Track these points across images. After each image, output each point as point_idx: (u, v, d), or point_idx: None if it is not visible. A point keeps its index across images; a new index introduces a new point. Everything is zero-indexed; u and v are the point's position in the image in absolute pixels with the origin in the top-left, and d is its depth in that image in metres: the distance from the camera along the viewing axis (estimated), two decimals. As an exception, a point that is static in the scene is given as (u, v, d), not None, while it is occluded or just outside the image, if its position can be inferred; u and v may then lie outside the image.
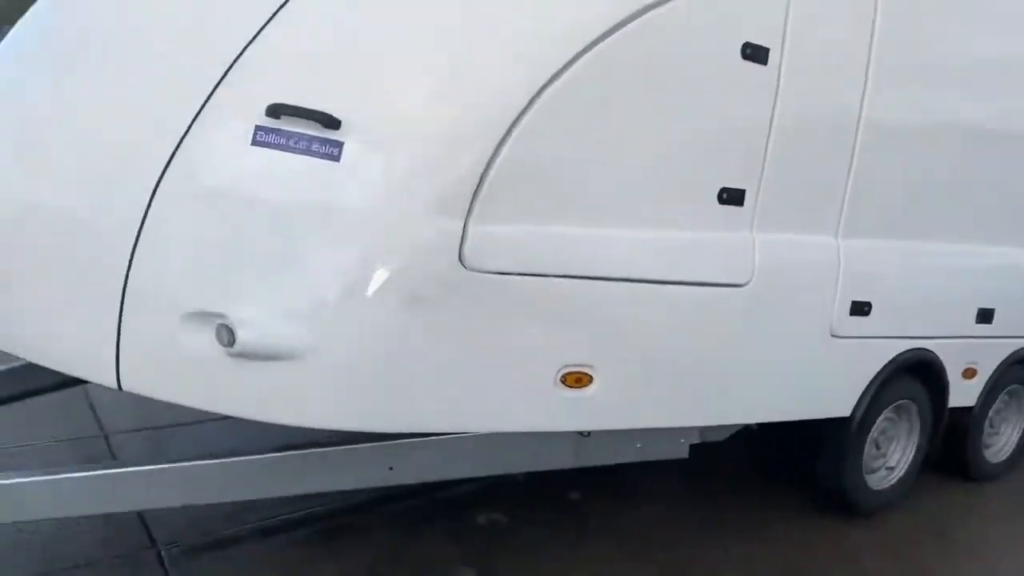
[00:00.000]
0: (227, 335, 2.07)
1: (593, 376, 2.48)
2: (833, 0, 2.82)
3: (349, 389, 2.18)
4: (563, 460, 2.89)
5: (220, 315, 2.10)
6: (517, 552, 3.13)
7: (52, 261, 2.25)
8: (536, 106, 2.23)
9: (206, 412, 2.25)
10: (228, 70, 2.18)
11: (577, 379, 2.46)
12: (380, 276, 2.14)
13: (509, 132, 2.21)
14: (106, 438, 3.87)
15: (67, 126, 2.29)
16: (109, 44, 2.35)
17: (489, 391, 2.35)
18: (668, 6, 2.41)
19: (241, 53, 2.18)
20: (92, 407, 4.00)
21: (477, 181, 2.19)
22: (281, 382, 2.13)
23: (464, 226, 2.19)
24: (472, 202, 2.19)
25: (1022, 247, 3.74)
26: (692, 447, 3.10)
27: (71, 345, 2.25)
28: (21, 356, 2.41)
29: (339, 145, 2.12)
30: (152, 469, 2.39)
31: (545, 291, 2.36)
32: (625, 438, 2.95)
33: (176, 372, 2.16)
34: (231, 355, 2.09)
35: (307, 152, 2.13)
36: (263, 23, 2.20)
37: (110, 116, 2.24)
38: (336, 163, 2.12)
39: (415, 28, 2.22)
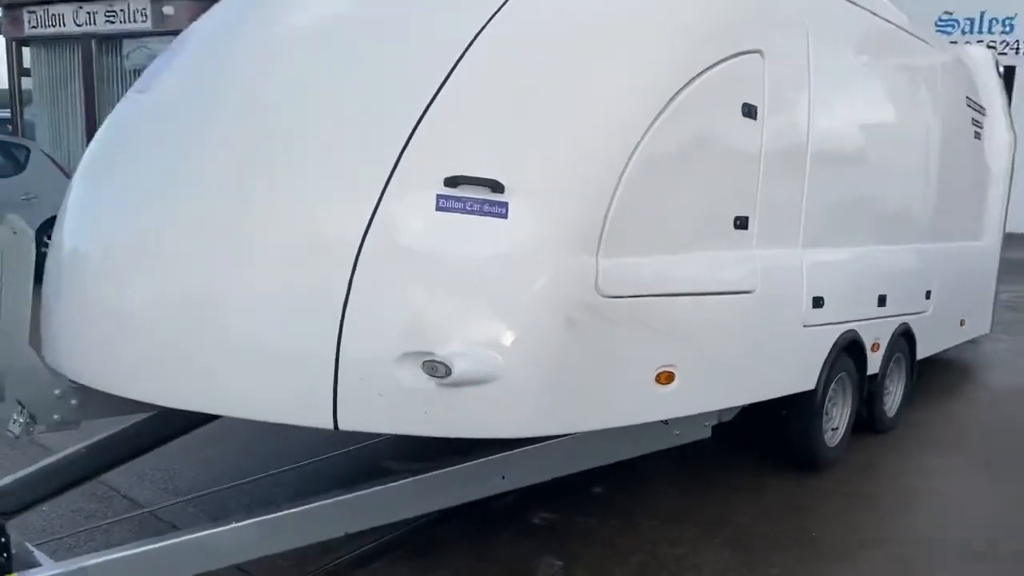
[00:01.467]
0: (443, 368, 2.50)
1: (675, 373, 3.12)
2: (786, 71, 3.68)
3: (534, 401, 2.66)
4: (636, 450, 3.49)
5: (428, 353, 2.52)
6: (584, 539, 3.67)
7: (265, 321, 2.55)
8: (628, 170, 2.85)
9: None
10: (404, 149, 2.61)
11: (667, 376, 3.09)
12: (546, 307, 2.67)
13: (616, 190, 2.82)
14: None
15: (272, 197, 2.61)
16: (299, 128, 2.69)
17: (617, 391, 2.92)
18: (703, 78, 3.13)
19: (412, 134, 2.63)
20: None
21: (601, 224, 2.77)
22: (482, 402, 2.58)
23: (596, 261, 2.76)
24: (599, 242, 2.77)
25: (902, 245, 4.89)
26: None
27: (284, 396, 2.55)
28: (218, 412, 2.64)
29: (505, 205, 2.62)
30: (374, 491, 2.78)
31: (644, 308, 2.97)
32: (674, 424, 3.60)
33: (391, 406, 2.54)
34: (442, 385, 2.52)
35: (480, 213, 2.61)
36: (425, 105, 2.66)
37: (309, 192, 2.60)
38: (504, 220, 2.62)
39: (551, 110, 2.78)
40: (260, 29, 3.10)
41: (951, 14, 15.97)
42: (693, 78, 3.07)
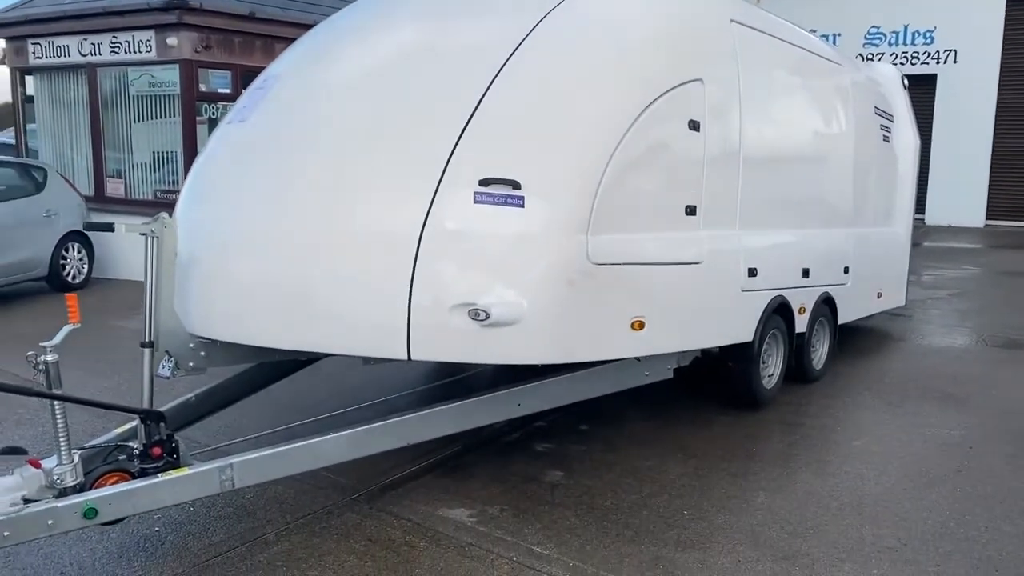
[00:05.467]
0: (483, 314, 3.54)
1: (645, 322, 4.18)
2: (721, 93, 4.78)
3: (547, 337, 3.71)
4: (615, 386, 4.56)
5: (472, 303, 3.56)
6: (577, 459, 4.73)
7: (355, 283, 3.57)
8: (607, 173, 3.91)
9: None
10: (449, 159, 3.65)
11: (639, 324, 4.15)
12: (554, 271, 3.72)
13: (599, 187, 3.88)
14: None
15: (357, 196, 3.65)
16: (372, 145, 3.74)
17: (603, 333, 3.98)
18: (659, 102, 4.21)
19: (454, 148, 3.67)
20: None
21: (589, 212, 3.83)
22: (511, 338, 3.62)
23: (587, 238, 3.82)
24: (588, 224, 3.83)
25: (823, 229, 6.07)
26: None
27: (371, 336, 3.58)
28: (316, 351, 3.66)
29: (522, 199, 3.67)
30: (427, 412, 3.82)
31: (621, 273, 4.04)
32: (644, 365, 4.68)
33: (447, 342, 3.58)
34: (483, 326, 3.55)
35: (505, 204, 3.65)
36: (462, 127, 3.70)
37: (383, 192, 3.64)
38: (522, 209, 3.67)
39: (551, 129, 3.84)
40: (334, 64, 4.21)
41: (879, 27, 17.51)
42: (652, 101, 4.16)
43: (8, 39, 11.93)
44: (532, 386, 4.28)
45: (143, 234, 3.74)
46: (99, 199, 11.11)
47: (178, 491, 3.36)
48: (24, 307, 9.12)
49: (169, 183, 10.86)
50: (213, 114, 10.64)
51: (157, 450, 3.43)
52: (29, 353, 3.13)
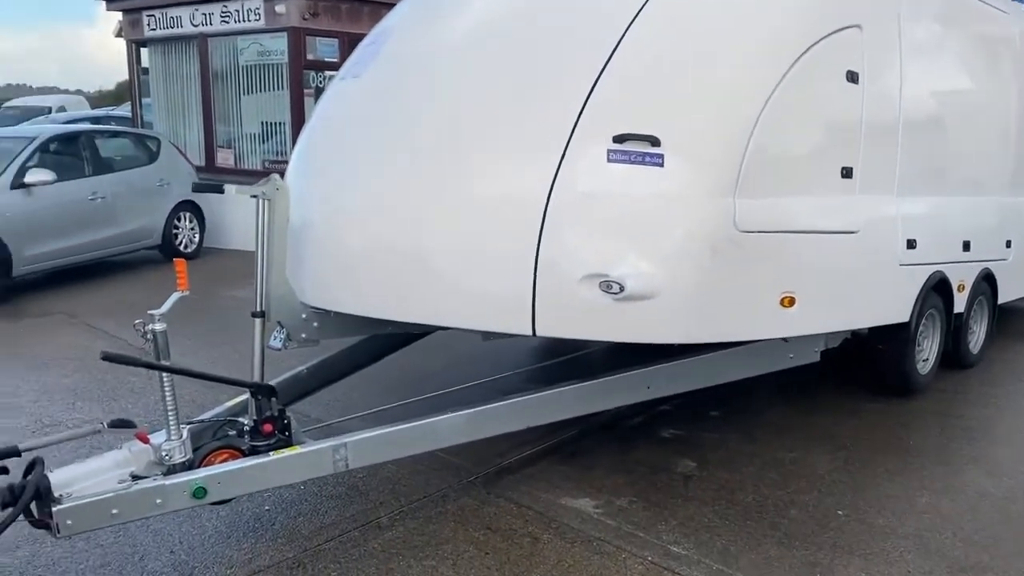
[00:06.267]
0: (617, 287, 3.16)
1: (796, 299, 3.72)
2: (881, 42, 4.22)
3: (687, 313, 3.32)
4: (756, 369, 4.12)
5: (604, 275, 3.19)
6: (710, 448, 4.32)
7: (475, 252, 3.25)
8: (756, 128, 3.45)
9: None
10: (580, 113, 3.28)
11: (789, 301, 3.70)
12: (696, 237, 3.31)
13: (747, 144, 3.43)
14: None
15: (478, 158, 3.33)
16: (497, 100, 3.39)
17: (751, 310, 3.55)
18: (815, 49, 3.70)
19: (586, 101, 3.29)
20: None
21: (737, 172, 3.39)
22: (647, 314, 3.24)
23: (734, 201, 3.38)
24: (736, 186, 3.39)
25: (985, 197, 5.41)
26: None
27: (493, 309, 3.26)
28: (433, 325, 3.37)
29: (661, 156, 3.26)
30: (550, 393, 3.49)
31: (771, 241, 3.58)
32: (790, 346, 4.21)
33: (576, 317, 3.23)
34: (616, 300, 3.18)
35: (642, 163, 3.26)
36: (595, 78, 3.31)
37: (508, 152, 3.30)
38: (661, 168, 3.26)
39: (696, 79, 3.41)
40: (451, 15, 3.88)
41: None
42: (806, 50, 3.66)
43: (125, 11, 12.15)
44: (665, 367, 3.88)
45: (254, 196, 3.51)
46: (209, 169, 11.22)
47: (289, 471, 3.14)
48: (137, 276, 9.25)
49: (277, 153, 10.88)
50: (320, 83, 10.56)
51: (268, 427, 3.21)
52: (137, 321, 2.95)
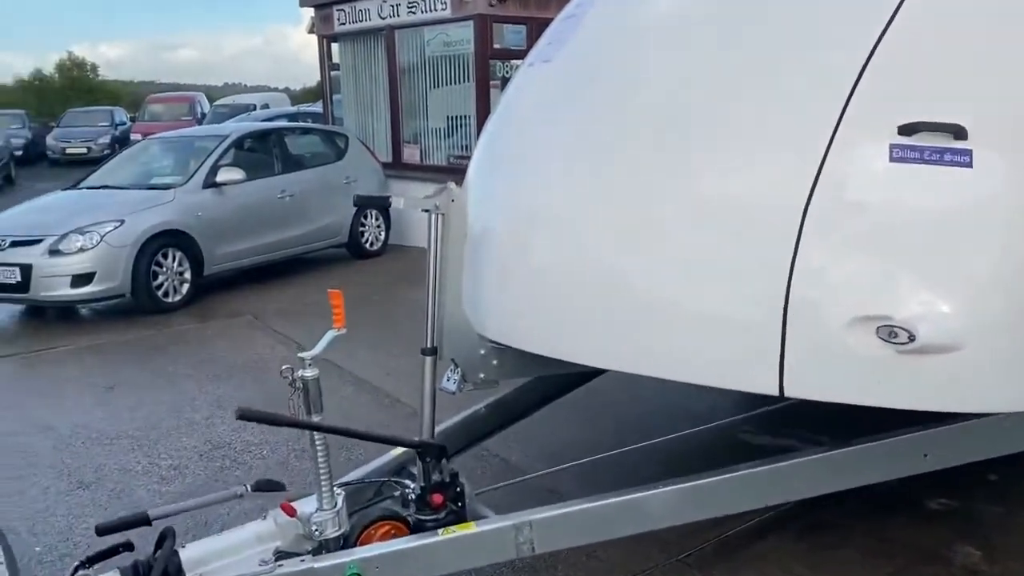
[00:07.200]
0: (904, 334, 2.29)
1: None
2: None
3: (1008, 373, 2.38)
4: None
5: (884, 317, 2.32)
6: (997, 527, 3.31)
7: (700, 280, 2.49)
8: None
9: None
10: (849, 98, 2.41)
11: None
12: (1021, 265, 2.36)
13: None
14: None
15: (704, 159, 2.55)
16: (727, 85, 2.60)
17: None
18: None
19: (857, 81, 2.43)
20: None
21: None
22: (946, 372, 2.34)
23: (1074, 217, 2.40)
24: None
25: None
26: None
27: (724, 360, 2.48)
28: (649, 374, 2.63)
29: (969, 153, 2.34)
30: (787, 466, 2.64)
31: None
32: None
33: (843, 375, 2.38)
34: (902, 352, 2.31)
35: (940, 162, 2.35)
36: (870, 49, 2.44)
37: (745, 151, 2.50)
38: (969, 169, 2.34)
39: (1014, 36, 2.45)
40: None
41: None
42: None
43: (317, 7, 12.22)
44: (950, 430, 2.91)
45: (425, 211, 2.91)
46: (396, 165, 11.03)
47: (463, 555, 2.51)
48: (323, 275, 9.13)
49: (462, 148, 10.51)
50: (506, 73, 10.07)
51: (438, 497, 2.60)
52: (285, 367, 2.42)
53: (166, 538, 2.31)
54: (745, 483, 2.75)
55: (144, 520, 2.34)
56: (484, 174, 3.21)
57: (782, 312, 2.37)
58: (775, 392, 2.42)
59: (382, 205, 3.01)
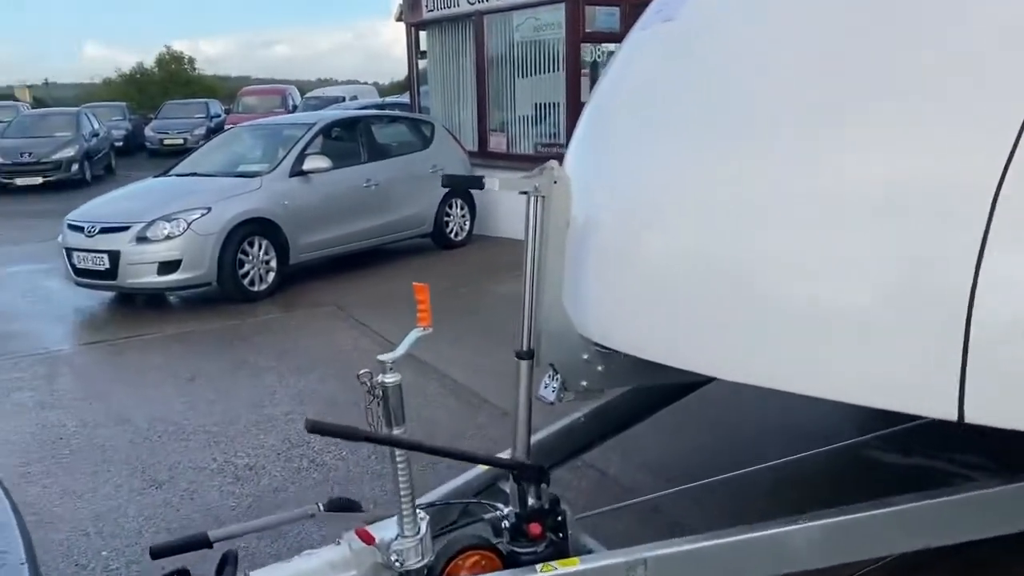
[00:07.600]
0: None
1: None
2: None
3: None
4: None
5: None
6: None
7: (851, 281, 2.06)
8: None
9: None
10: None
11: None
12: None
13: None
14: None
15: (858, 135, 2.10)
16: (890, 46, 2.16)
17: None
18: None
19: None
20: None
21: None
22: None
23: None
24: None
25: None
26: None
27: (884, 375, 2.04)
28: (788, 390, 2.21)
29: None
30: (951, 501, 2.19)
31: None
32: None
33: (1040, 398, 1.92)
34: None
35: None
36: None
37: (911, 127, 2.05)
38: None
39: None
40: None
41: None
42: None
43: (405, -4, 12.05)
44: None
45: (523, 192, 2.54)
46: (482, 154, 10.74)
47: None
48: (407, 265, 8.91)
49: (550, 136, 10.15)
50: (597, 58, 9.65)
51: (536, 527, 2.25)
52: (363, 371, 2.10)
53: (227, 563, 2.03)
54: (904, 520, 2.30)
55: (204, 542, 2.06)
56: (590, 154, 2.82)
57: (964, 326, 1.92)
58: (953, 417, 1.97)
59: (475, 186, 2.81)
